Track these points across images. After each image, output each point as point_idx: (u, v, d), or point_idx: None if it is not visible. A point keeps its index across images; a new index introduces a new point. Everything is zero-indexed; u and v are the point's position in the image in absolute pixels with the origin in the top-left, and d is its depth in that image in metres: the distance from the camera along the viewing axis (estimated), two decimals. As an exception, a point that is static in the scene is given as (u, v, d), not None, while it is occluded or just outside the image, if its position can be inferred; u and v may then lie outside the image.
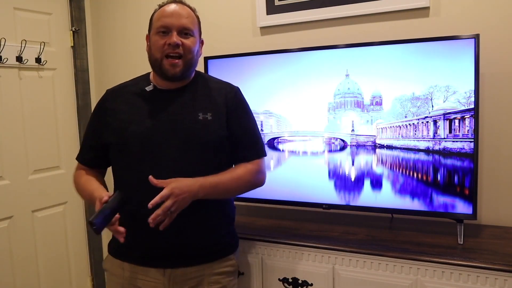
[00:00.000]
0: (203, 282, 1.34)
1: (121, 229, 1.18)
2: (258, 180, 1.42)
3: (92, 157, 1.42)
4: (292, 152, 1.86)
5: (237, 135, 1.38)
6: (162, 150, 1.29)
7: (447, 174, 1.58)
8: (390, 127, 1.67)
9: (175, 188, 1.18)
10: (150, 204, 1.15)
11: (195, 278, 1.34)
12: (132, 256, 1.34)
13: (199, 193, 1.24)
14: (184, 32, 1.30)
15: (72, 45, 2.46)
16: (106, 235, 1.26)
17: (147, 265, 1.33)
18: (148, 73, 1.43)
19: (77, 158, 1.47)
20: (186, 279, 1.33)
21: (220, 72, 1.93)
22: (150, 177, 1.19)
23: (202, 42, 1.42)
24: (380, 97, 1.67)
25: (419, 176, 1.63)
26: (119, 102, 1.37)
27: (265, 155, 1.44)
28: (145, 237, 1.30)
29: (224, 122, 1.35)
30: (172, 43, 1.26)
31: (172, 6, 1.31)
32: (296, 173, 1.86)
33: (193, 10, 1.36)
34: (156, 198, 1.16)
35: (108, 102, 1.39)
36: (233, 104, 1.38)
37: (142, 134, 1.30)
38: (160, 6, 1.34)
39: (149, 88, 1.36)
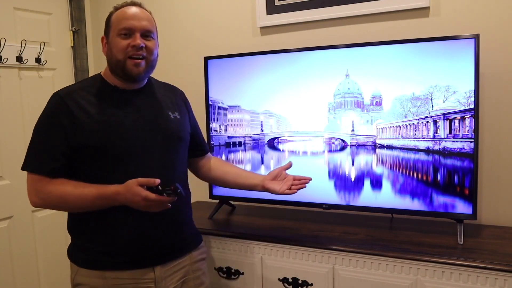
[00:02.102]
0: (188, 271, 1.44)
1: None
2: None
3: (62, 164, 1.28)
4: (292, 152, 1.86)
5: (194, 132, 1.55)
6: (146, 149, 1.33)
7: (447, 174, 1.58)
8: (390, 127, 1.67)
9: None
10: None
11: (181, 269, 1.42)
12: (118, 262, 1.31)
13: None
14: (146, 34, 1.32)
15: (72, 45, 2.46)
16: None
17: (135, 268, 1.32)
18: (97, 75, 1.39)
19: (34, 170, 1.28)
20: (174, 272, 1.39)
21: (220, 72, 1.94)
22: None
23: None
24: (380, 97, 1.67)
25: (419, 176, 1.63)
26: (83, 105, 1.28)
27: None
28: (133, 241, 1.31)
29: (188, 120, 1.50)
30: (137, 45, 1.28)
31: (133, 9, 1.31)
32: (296, 173, 1.85)
33: (151, 13, 1.38)
34: None
35: (69, 105, 1.28)
36: (188, 104, 1.55)
37: (127, 135, 1.30)
38: (117, 8, 1.33)
39: (113, 88, 1.34)
